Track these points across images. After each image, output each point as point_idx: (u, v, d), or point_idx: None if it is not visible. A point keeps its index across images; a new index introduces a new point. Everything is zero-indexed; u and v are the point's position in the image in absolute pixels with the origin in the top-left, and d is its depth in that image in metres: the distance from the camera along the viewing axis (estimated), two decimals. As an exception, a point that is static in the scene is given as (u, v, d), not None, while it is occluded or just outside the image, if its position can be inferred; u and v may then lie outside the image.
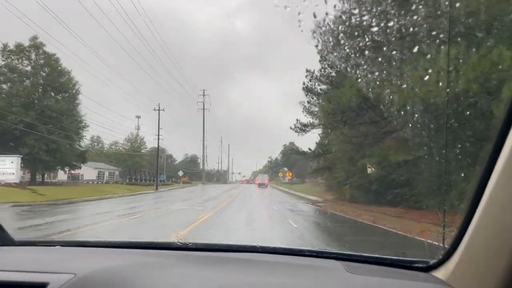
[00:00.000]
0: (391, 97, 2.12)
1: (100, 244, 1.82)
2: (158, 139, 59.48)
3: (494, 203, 1.10)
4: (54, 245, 1.84)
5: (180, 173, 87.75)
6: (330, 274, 1.52)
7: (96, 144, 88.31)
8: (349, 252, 1.76)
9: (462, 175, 1.51)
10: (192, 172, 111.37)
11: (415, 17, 2.34)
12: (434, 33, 2.18)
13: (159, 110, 58.75)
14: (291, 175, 74.24)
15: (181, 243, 1.83)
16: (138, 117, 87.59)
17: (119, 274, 1.37)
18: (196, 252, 1.77)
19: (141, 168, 79.86)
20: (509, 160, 1.04)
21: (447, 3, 2.06)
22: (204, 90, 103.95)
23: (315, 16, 2.31)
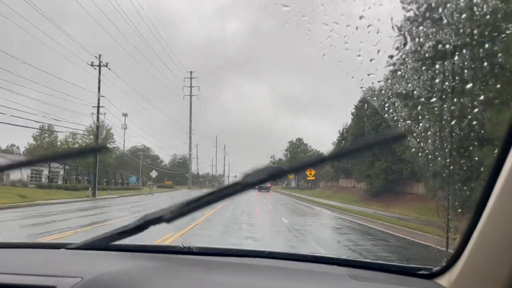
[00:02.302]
0: (395, 104, 2.14)
1: (107, 247, 1.84)
2: (98, 115, 39.69)
3: (498, 211, 1.10)
4: (60, 248, 1.86)
5: (153, 173, 67.36)
6: (333, 280, 1.53)
7: (46, 135, 69.25)
8: (352, 258, 1.77)
9: (467, 182, 1.52)
10: (179, 174, 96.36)
11: (420, 28, 2.37)
12: (439, 44, 2.21)
13: (99, 65, 39.04)
14: (313, 174, 47.87)
15: (186, 247, 1.85)
16: (125, 115, 76.11)
17: (126, 278, 1.39)
18: (201, 256, 1.79)
19: (107, 167, 62.55)
20: None
21: (454, 13, 2.09)
22: (191, 71, 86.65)
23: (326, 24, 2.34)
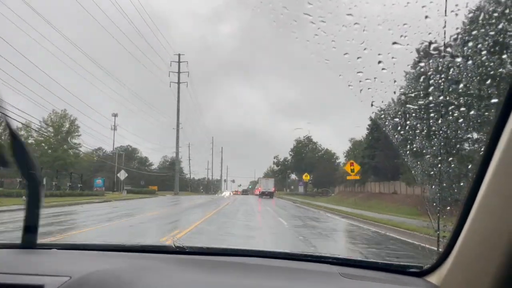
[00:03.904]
0: (382, 101, 2.16)
1: (96, 247, 1.82)
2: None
3: (485, 208, 1.12)
4: (50, 248, 1.83)
5: (121, 175, 50.98)
6: (325, 279, 1.54)
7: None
8: (343, 257, 1.78)
9: (456, 180, 1.55)
10: (169, 178, 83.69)
11: (406, 26, 2.39)
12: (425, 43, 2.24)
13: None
14: (358, 171, 31.51)
15: (177, 246, 1.83)
16: (115, 115, 69.21)
17: (114, 277, 1.37)
18: (193, 256, 1.78)
19: (67, 167, 49.28)
20: (500, 166, 1.06)
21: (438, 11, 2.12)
22: (179, 54, 73.32)
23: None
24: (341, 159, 77.70)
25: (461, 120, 1.72)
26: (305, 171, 74.93)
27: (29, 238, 1.80)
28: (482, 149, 1.14)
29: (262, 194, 60.26)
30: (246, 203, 38.97)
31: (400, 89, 2.41)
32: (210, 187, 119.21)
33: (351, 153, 60.37)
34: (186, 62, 75.41)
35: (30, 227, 1.79)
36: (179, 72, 74.22)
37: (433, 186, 1.65)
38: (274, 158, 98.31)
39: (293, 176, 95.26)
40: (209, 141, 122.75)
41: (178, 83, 74.56)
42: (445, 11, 1.88)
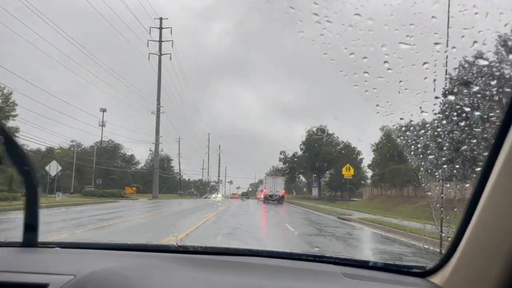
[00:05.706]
0: (387, 102, 2.18)
1: (100, 246, 1.84)
2: None
3: (489, 209, 1.12)
4: (54, 247, 1.85)
5: (52, 168, 35.55)
6: (328, 279, 1.54)
7: None
8: (346, 257, 1.78)
9: (461, 181, 1.56)
10: (160, 178, 62.66)
11: (412, 26, 2.39)
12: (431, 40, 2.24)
13: None
14: None
15: (180, 245, 1.85)
16: (104, 110, 63.95)
17: (119, 275, 1.39)
18: (196, 255, 1.79)
19: None
20: (505, 168, 1.06)
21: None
22: (161, 18, 56.74)
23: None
24: (363, 155, 63.47)
25: (464, 122, 1.72)
26: (319, 169, 61.08)
27: (31, 237, 1.81)
28: (487, 149, 1.15)
29: (268, 199, 45.08)
30: (244, 223, 18.45)
31: (406, 89, 2.41)
32: (206, 188, 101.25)
33: (383, 145, 46.46)
34: (169, 28, 58.25)
35: (31, 225, 1.80)
36: (160, 41, 57.85)
37: (437, 187, 1.65)
38: (281, 153, 76.25)
39: (301, 178, 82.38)
40: (205, 138, 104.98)
41: (160, 54, 58.01)
42: (448, 11, 1.88)
